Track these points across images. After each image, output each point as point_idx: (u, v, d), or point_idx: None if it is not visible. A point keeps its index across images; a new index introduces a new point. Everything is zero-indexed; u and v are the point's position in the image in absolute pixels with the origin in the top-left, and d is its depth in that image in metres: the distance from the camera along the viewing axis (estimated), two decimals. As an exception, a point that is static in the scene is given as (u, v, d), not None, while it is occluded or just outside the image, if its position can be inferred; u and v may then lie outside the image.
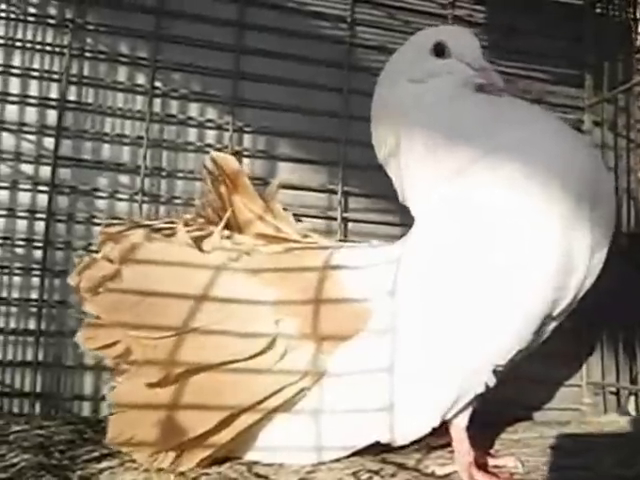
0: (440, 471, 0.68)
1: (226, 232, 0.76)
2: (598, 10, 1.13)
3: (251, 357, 0.67)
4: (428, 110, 0.72)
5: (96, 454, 0.68)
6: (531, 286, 0.65)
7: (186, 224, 0.76)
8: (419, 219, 0.75)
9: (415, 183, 0.74)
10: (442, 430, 0.69)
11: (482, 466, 0.69)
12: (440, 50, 0.73)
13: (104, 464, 0.65)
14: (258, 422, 0.67)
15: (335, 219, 0.97)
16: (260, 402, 0.66)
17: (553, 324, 0.69)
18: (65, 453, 0.67)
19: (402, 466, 0.69)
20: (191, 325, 0.67)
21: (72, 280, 0.70)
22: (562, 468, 0.71)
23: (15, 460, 0.63)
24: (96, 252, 0.73)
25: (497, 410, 0.85)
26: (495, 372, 0.66)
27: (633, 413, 1.00)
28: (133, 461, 0.66)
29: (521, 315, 0.65)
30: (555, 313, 0.67)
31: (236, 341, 0.67)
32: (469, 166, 0.69)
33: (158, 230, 0.74)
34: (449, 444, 0.70)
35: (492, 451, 0.77)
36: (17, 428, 0.75)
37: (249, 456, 0.69)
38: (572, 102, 1.11)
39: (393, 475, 0.66)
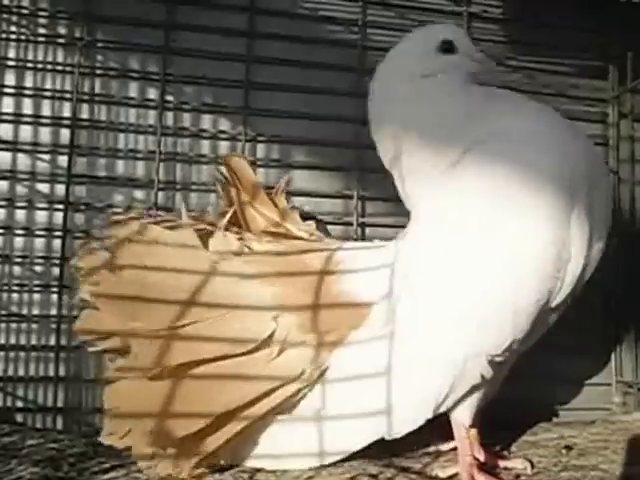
0: (443, 473, 0.69)
1: (235, 229, 0.77)
2: (622, -1, 1.10)
3: (246, 353, 0.68)
4: (434, 104, 0.73)
5: (105, 466, 0.69)
6: (521, 275, 0.64)
7: (194, 219, 0.77)
8: (413, 215, 0.76)
9: (414, 179, 0.75)
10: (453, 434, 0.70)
11: (492, 468, 0.69)
12: (448, 47, 0.74)
13: (110, 475, 0.66)
14: (254, 424, 0.67)
15: (351, 224, 0.97)
16: (254, 401, 0.67)
17: (555, 315, 0.68)
18: (75, 466, 0.69)
19: (404, 469, 0.69)
20: (188, 320, 0.68)
21: (74, 265, 0.72)
22: (572, 468, 0.71)
23: (22, 474, 0.65)
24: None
25: (521, 411, 0.87)
26: (492, 363, 0.65)
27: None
28: (139, 471, 0.67)
29: (513, 305, 0.64)
30: (553, 304, 0.66)
31: (232, 336, 0.68)
32: (460, 159, 0.70)
33: (164, 222, 0.74)
34: (455, 449, 0.70)
35: (506, 453, 0.77)
36: (31, 442, 0.76)
37: (251, 463, 0.69)
38: (596, 94, 1.08)
39: (391, 479, 0.67)
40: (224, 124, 0.96)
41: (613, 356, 1.03)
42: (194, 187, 0.94)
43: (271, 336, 0.68)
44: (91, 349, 0.70)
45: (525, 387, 0.83)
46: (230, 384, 0.67)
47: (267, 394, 0.67)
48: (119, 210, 0.81)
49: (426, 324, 0.67)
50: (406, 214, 0.94)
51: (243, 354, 0.67)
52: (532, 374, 0.82)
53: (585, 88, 1.07)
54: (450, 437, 0.71)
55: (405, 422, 0.67)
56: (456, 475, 0.68)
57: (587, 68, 1.07)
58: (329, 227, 0.95)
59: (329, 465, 0.69)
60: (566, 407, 1.00)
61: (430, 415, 0.66)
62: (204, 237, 0.73)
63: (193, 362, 0.67)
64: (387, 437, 0.67)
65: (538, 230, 0.64)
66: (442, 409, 0.67)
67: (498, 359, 0.65)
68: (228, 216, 0.76)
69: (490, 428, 0.72)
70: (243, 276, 0.71)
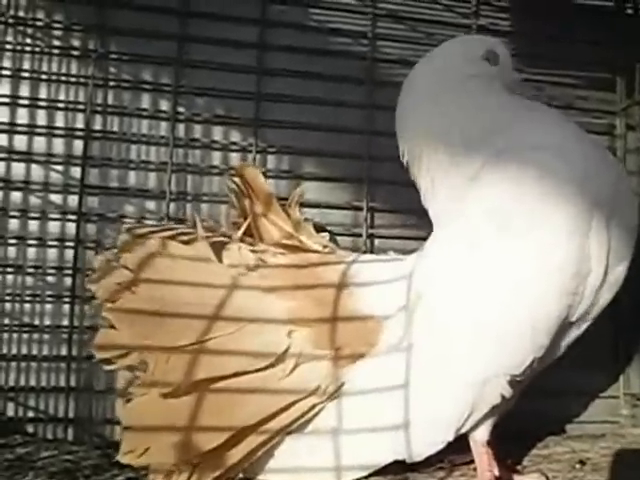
0: None
1: (248, 239, 0.78)
2: (629, 11, 1.11)
3: (261, 369, 0.68)
4: (471, 103, 0.74)
5: (120, 478, 0.69)
6: (541, 291, 0.64)
7: (209, 230, 0.77)
8: (434, 227, 0.75)
9: (437, 188, 0.75)
10: (466, 447, 0.70)
11: None
12: (494, 58, 0.77)
13: None
14: (271, 439, 0.67)
15: (361, 235, 0.97)
16: (272, 416, 0.67)
17: (574, 332, 0.68)
18: (90, 478, 0.69)
19: None
20: (205, 337, 0.68)
21: (90, 285, 0.72)
22: None
23: None
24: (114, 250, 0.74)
25: (529, 424, 0.86)
26: (512, 383, 0.65)
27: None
28: (154, 484, 0.67)
29: (532, 322, 0.64)
30: (573, 319, 0.66)
31: (249, 352, 0.68)
32: (482, 169, 0.70)
33: (180, 235, 0.74)
34: (470, 462, 0.70)
35: (519, 467, 0.77)
36: (46, 454, 0.76)
37: (267, 476, 0.69)
38: (604, 106, 1.09)
39: None
40: (235, 135, 0.97)
41: (621, 369, 1.04)
42: (205, 198, 0.95)
43: (286, 351, 0.69)
44: (108, 367, 0.69)
45: (534, 400, 0.81)
46: (248, 399, 0.67)
47: (284, 409, 0.67)
48: (132, 222, 0.81)
49: (444, 345, 0.66)
50: (415, 226, 0.96)
51: (259, 370, 0.68)
52: (541, 387, 0.80)
53: (593, 100, 1.08)
54: (463, 450, 0.71)
55: (426, 445, 0.67)
56: (474, 489, 0.69)
57: (595, 80, 1.08)
58: (338, 238, 0.96)
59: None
60: (575, 420, 1.00)
61: (451, 438, 0.66)
62: (218, 249, 0.74)
63: (210, 378, 0.67)
64: (408, 460, 0.67)
65: (558, 245, 0.64)
66: (463, 430, 0.67)
67: (518, 378, 0.65)
68: (243, 229, 0.77)
69: (501, 441, 0.71)
70: (259, 291, 0.72)
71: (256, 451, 0.67)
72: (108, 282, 0.70)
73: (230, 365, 0.68)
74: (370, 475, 0.69)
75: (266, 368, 0.68)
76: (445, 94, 0.74)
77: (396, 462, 0.68)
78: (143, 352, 0.67)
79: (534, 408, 0.85)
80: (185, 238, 0.74)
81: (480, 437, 0.68)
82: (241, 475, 0.69)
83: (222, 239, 0.76)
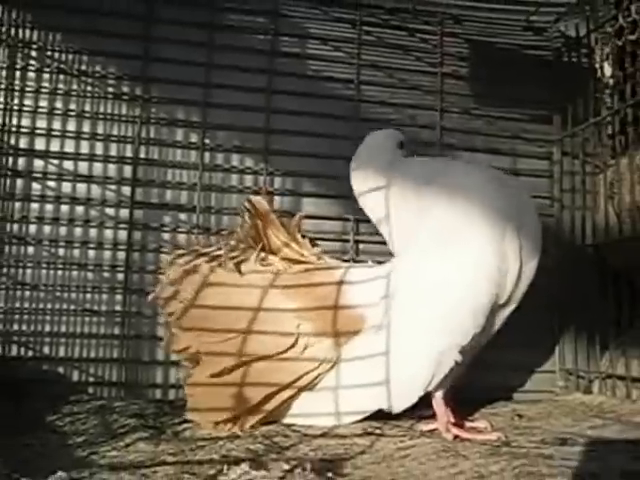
0: (425, 428, 0.92)
1: (262, 254, 1.01)
2: (565, 59, 1.33)
3: (281, 352, 0.93)
4: (401, 174, 1.00)
5: (177, 420, 0.92)
6: (478, 284, 0.88)
7: (231, 249, 1.00)
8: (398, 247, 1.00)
9: (393, 224, 1.00)
10: (427, 407, 0.93)
11: (461, 426, 0.92)
12: (402, 145, 1.06)
13: (185, 425, 0.90)
14: (293, 396, 0.93)
15: (348, 241, 1.21)
16: (292, 382, 0.92)
17: (503, 313, 0.92)
18: (156, 420, 0.92)
19: (398, 426, 0.93)
20: (240, 331, 0.93)
21: (153, 300, 0.97)
22: (522, 428, 0.93)
23: (126, 422, 0.89)
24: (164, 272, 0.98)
25: (481, 394, 1.10)
26: (462, 352, 0.88)
27: (596, 392, 1.19)
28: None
29: (474, 305, 0.88)
30: (500, 303, 0.90)
31: (271, 341, 0.93)
32: (425, 208, 0.94)
33: (213, 259, 0.98)
34: (434, 415, 0.93)
35: (471, 418, 1.00)
36: (117, 404, 1.01)
37: (288, 420, 0.94)
38: (544, 137, 1.32)
39: (391, 429, 0.91)
40: (249, 162, 1.21)
41: (557, 348, 1.26)
42: (225, 211, 1.18)
43: (297, 338, 0.93)
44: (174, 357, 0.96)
45: (486, 375, 1.04)
46: (273, 373, 0.92)
47: (302, 375, 0.92)
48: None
49: (414, 328, 0.90)
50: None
51: (279, 353, 0.93)
52: (492, 365, 1.04)
53: (534, 132, 1.32)
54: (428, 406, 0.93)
55: (403, 399, 0.91)
56: (435, 429, 0.91)
57: (536, 116, 1.32)
58: (331, 244, 1.20)
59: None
60: (519, 390, 1.23)
61: (422, 393, 0.90)
62: (240, 264, 0.97)
63: (246, 360, 0.92)
64: (392, 411, 0.91)
65: (483, 250, 0.88)
66: (429, 388, 0.90)
67: (467, 348, 0.89)
68: (258, 249, 1.00)
69: (460, 405, 0.94)
70: (274, 294, 0.96)
71: (284, 403, 0.93)
72: (175, 303, 0.95)
73: (259, 350, 0.93)
74: (361, 421, 0.93)
75: (284, 351, 0.93)
76: (379, 170, 1.01)
77: (378, 414, 0.92)
78: (198, 345, 0.93)
79: (485, 381, 1.09)
80: (216, 257, 0.98)
81: (439, 394, 0.92)
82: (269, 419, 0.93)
83: (242, 257, 0.99)
